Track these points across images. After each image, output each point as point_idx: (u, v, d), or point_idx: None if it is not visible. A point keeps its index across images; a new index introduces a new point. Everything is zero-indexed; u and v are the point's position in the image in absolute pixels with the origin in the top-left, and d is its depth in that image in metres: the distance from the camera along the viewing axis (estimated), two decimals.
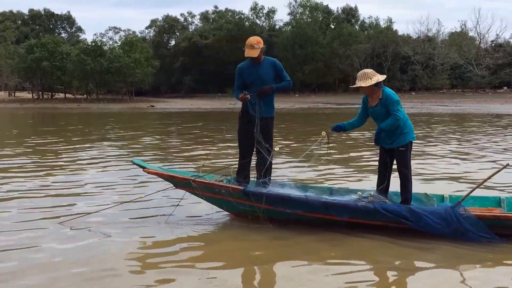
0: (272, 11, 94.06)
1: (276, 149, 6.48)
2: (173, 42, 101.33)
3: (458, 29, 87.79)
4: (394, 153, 6.10)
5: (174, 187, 6.51)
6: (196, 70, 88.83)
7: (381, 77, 5.98)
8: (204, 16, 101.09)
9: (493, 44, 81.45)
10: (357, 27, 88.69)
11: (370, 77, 5.94)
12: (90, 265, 4.80)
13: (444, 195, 6.50)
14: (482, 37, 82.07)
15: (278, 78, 6.52)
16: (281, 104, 56.20)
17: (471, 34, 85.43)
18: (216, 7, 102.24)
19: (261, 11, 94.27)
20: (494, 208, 6.21)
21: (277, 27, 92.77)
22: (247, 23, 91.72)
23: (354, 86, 6.11)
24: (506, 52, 76.43)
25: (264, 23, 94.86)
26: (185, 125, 26.51)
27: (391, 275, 4.78)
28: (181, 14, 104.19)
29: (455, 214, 5.52)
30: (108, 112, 43.43)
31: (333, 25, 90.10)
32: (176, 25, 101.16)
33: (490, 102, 54.43)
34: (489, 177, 5.94)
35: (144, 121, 31.10)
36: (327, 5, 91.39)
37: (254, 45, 6.34)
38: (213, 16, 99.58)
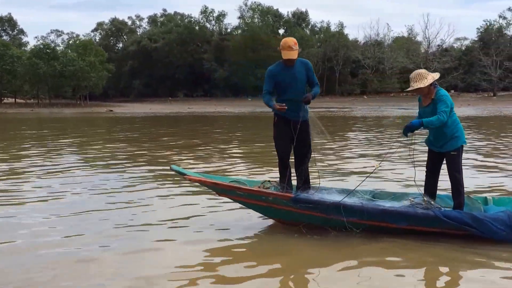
0: (222, 15, 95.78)
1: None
2: (120, 46, 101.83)
3: (405, 34, 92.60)
4: (445, 157, 6.08)
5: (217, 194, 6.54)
6: (145, 74, 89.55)
7: (436, 75, 5.98)
8: (153, 20, 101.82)
9: (440, 49, 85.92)
10: (307, 31, 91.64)
11: (425, 77, 5.90)
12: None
13: (487, 197, 6.57)
14: (430, 41, 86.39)
15: (307, 79, 6.53)
16: (238, 108, 57.46)
17: (418, 38, 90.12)
18: (165, 10, 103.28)
19: (211, 14, 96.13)
20: None
21: (228, 30, 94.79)
22: (197, 26, 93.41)
23: (411, 89, 6.04)
24: (452, 57, 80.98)
25: (215, 27, 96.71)
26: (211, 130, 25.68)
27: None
28: (129, 17, 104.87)
29: None
30: (75, 118, 42.53)
31: (283, 29, 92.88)
32: (124, 28, 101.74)
33: None
34: None
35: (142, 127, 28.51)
36: (278, 9, 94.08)
37: (293, 47, 6.26)
38: (161, 19, 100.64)
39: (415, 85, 5.91)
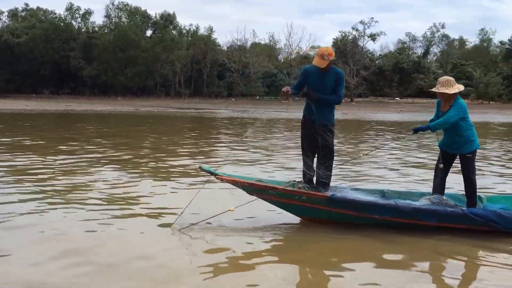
0: (88, 13, 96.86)
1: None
2: None
3: (267, 41, 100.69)
4: (461, 159, 6.71)
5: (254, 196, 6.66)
6: (6, 69, 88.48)
7: (461, 87, 6.67)
8: (13, 14, 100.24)
9: (298, 56, 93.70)
10: (175, 32, 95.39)
11: (452, 85, 6.57)
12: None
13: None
14: (293, 49, 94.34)
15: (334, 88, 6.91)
16: (117, 106, 57.70)
17: (280, 45, 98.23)
18: (26, 4, 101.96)
19: (77, 12, 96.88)
20: None
21: (96, 28, 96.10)
22: (62, 23, 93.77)
23: (436, 90, 6.68)
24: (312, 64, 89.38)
25: (81, 25, 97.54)
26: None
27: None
28: None
29: None
30: None
31: (151, 30, 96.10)
32: None
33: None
34: None
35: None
36: (146, 10, 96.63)
37: (324, 56, 6.72)
38: (23, 14, 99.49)
39: (441, 89, 6.62)
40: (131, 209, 7.70)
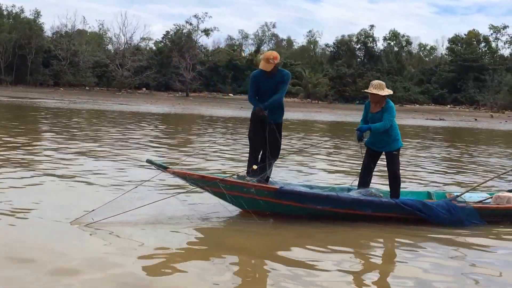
0: None
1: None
2: None
3: (96, 29, 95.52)
4: (387, 156, 7.43)
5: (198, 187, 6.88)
6: None
7: (391, 91, 7.33)
8: None
9: (130, 47, 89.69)
10: None
11: (383, 88, 7.17)
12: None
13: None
14: (127, 39, 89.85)
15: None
16: None
17: (111, 34, 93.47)
18: None
19: None
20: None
21: None
22: None
23: (369, 92, 7.24)
24: (145, 55, 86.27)
25: None
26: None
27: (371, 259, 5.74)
28: None
29: (454, 206, 6.98)
30: None
31: None
32: None
33: (157, 103, 59.54)
34: (489, 180, 8.44)
35: None
36: None
37: (270, 60, 7.02)
38: None
39: (374, 91, 7.20)
40: None
